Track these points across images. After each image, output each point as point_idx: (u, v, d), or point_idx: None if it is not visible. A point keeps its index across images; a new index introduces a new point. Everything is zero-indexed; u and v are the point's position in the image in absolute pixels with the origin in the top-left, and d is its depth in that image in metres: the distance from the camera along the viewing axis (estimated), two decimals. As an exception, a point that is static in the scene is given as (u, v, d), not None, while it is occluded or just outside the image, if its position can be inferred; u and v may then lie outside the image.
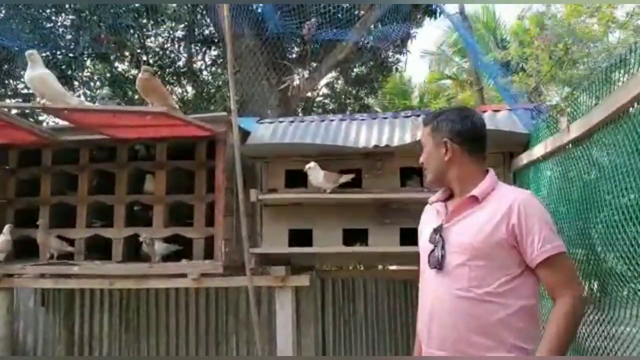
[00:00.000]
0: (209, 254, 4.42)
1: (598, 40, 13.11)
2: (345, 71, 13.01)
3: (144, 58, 10.40)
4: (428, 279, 2.19)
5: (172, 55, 10.66)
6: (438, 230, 2.16)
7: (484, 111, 4.43)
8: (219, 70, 10.80)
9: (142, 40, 10.09)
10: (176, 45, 10.53)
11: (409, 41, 7.91)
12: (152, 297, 5.46)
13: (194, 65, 11.47)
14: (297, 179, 4.36)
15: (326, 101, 14.04)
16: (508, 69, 14.69)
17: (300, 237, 4.33)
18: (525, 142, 3.96)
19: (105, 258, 4.68)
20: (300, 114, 10.97)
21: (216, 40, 10.04)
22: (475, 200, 2.12)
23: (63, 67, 9.41)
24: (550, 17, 13.10)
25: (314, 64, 8.69)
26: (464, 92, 13.50)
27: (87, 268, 4.36)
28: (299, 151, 4.31)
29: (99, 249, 4.82)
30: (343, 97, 13.78)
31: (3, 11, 8.48)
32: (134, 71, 11.16)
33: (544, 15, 13.35)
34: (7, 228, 4.49)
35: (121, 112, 3.46)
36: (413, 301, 5.09)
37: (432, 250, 2.14)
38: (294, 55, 9.48)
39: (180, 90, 12.11)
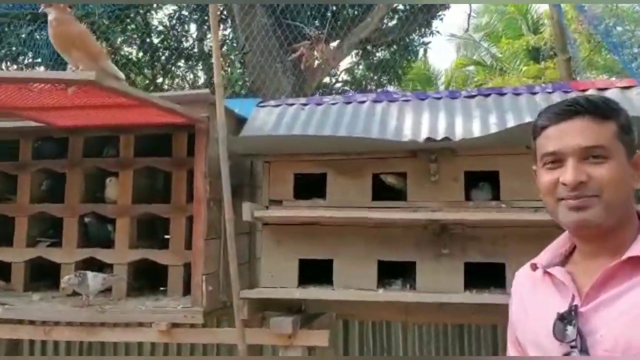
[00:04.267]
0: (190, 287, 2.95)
1: (643, 22, 11.49)
2: (366, 56, 11.53)
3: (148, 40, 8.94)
4: None
5: (179, 34, 9.13)
6: (569, 318, 1.16)
7: (583, 90, 2.87)
8: (227, 51, 9.27)
9: (144, 19, 8.59)
10: (182, 24, 8.99)
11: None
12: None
13: (204, 47, 9.98)
14: (311, 186, 2.86)
15: (345, 88, 12.56)
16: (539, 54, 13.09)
17: (316, 271, 2.83)
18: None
19: (56, 288, 3.24)
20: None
21: (225, 17, 8.51)
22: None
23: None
24: (590, -4, 11.44)
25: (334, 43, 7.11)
26: (493, 79, 11.86)
27: (13, 310, 2.89)
28: (315, 147, 2.80)
29: (48, 276, 3.38)
30: (364, 83, 12.29)
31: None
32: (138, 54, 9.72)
33: (583, -5, 11.65)
34: None
35: (13, 81, 1.93)
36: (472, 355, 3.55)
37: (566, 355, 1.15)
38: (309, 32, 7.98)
39: (191, 76, 10.66)
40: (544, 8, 13.18)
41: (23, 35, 7.76)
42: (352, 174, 2.76)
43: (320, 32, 5.65)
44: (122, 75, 2.19)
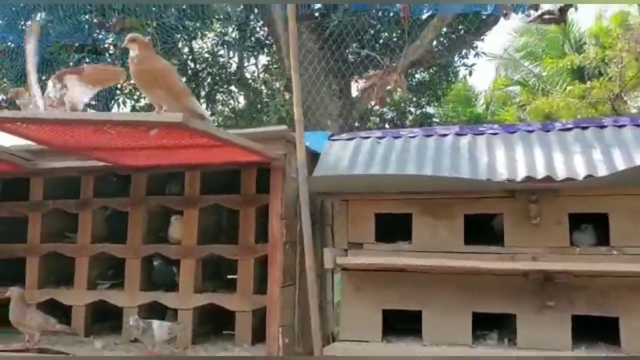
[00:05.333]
0: (260, 335, 2.72)
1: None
2: (405, 77, 11.28)
3: (192, 65, 8.85)
4: None
5: (222, 60, 9.02)
6: None
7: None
8: (272, 78, 9.11)
9: (189, 44, 8.51)
10: (226, 50, 8.88)
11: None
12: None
13: (246, 73, 9.87)
14: (394, 227, 2.61)
15: (384, 110, 12.30)
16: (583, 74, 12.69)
17: (401, 322, 2.57)
18: None
19: (118, 332, 3.05)
20: (356, 124, 9.22)
21: (269, 42, 8.37)
22: None
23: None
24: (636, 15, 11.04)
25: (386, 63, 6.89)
26: (537, 99, 11.50)
27: (75, 360, 2.69)
28: (397, 185, 2.56)
29: (110, 317, 3.19)
30: (402, 104, 12.03)
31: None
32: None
33: (629, 14, 11.25)
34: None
35: (96, 123, 1.75)
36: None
37: None
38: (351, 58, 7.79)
39: (232, 102, 10.54)
40: (586, 26, 12.83)
41: (71, 63, 7.72)
42: (440, 214, 2.51)
43: (393, 61, 5.41)
44: (206, 113, 2.00)
